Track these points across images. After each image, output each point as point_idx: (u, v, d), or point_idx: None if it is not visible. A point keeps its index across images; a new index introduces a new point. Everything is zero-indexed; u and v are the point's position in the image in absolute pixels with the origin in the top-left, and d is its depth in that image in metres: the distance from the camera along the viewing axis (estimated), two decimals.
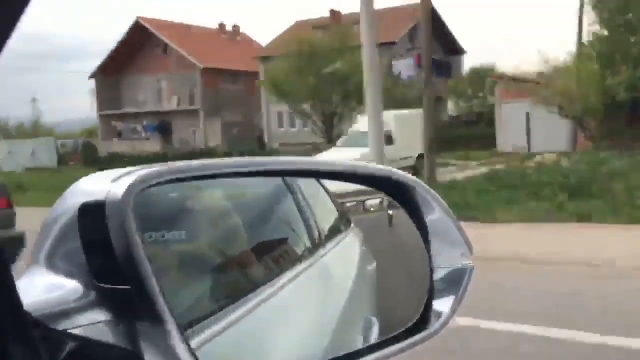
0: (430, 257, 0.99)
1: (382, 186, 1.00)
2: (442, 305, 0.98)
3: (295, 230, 1.11)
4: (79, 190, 0.77)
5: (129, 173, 0.75)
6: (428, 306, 0.99)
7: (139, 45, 46.89)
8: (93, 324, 0.74)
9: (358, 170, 0.96)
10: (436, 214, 0.98)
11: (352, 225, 1.21)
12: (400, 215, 1.04)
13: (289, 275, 1.02)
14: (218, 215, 0.98)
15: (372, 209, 1.17)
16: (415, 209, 0.98)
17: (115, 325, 0.74)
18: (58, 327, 0.72)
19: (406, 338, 0.97)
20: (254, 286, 0.96)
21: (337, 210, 1.20)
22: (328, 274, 1.16)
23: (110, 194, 0.72)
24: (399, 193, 0.99)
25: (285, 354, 0.96)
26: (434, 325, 0.98)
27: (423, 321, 0.99)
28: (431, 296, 0.99)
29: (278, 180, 1.05)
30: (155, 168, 0.77)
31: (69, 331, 0.73)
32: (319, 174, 0.99)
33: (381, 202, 1.13)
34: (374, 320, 1.08)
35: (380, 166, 0.99)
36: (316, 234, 1.14)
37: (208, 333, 0.84)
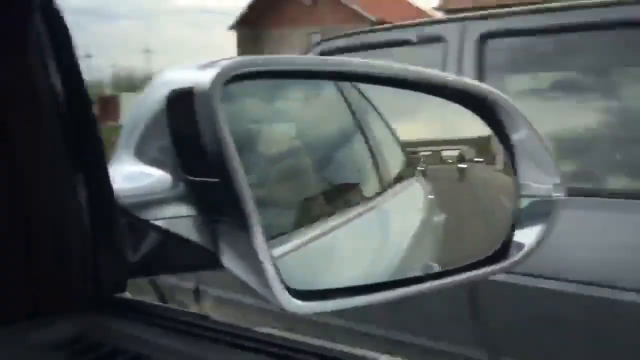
0: (517, 184, 0.94)
1: (466, 102, 0.95)
2: (525, 236, 0.94)
3: (363, 168, 1.07)
4: (168, 79, 0.74)
5: (218, 61, 0.72)
6: (510, 236, 0.95)
7: None
8: (177, 217, 0.72)
9: (448, 82, 0.90)
10: (525, 137, 0.93)
11: (419, 174, 1.16)
12: (474, 170, 1.00)
13: (353, 211, 1.00)
14: (303, 128, 0.95)
15: (449, 160, 1.13)
16: (502, 130, 0.93)
17: (198, 220, 0.73)
18: (143, 216, 0.71)
19: (483, 266, 0.94)
20: (329, 211, 0.94)
21: (405, 157, 1.16)
22: (389, 217, 1.13)
23: (199, 82, 0.69)
24: (487, 111, 0.94)
25: (354, 272, 0.94)
26: (514, 255, 0.94)
27: (503, 252, 0.95)
28: (514, 226, 0.95)
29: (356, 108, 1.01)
30: (247, 57, 0.74)
31: (153, 222, 0.71)
32: (405, 83, 0.93)
33: (460, 154, 1.08)
34: (435, 266, 1.04)
35: (470, 80, 0.93)
36: (384, 177, 1.10)
37: (288, 246, 0.82)
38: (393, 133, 1.09)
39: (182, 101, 0.70)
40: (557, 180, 0.94)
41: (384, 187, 1.06)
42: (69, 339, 0.65)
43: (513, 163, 0.95)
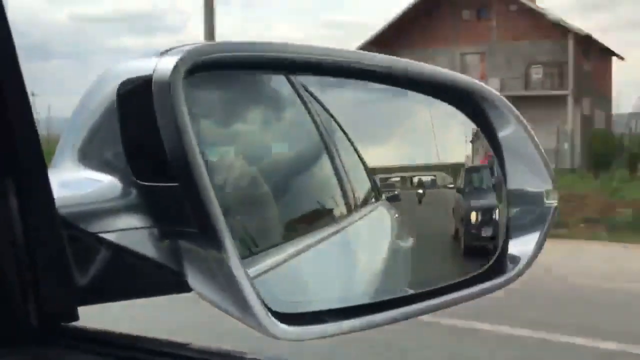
0: (505, 188, 0.86)
1: (449, 94, 0.87)
2: (519, 248, 0.86)
3: (331, 187, 1.00)
4: (118, 70, 0.64)
5: (177, 47, 0.62)
6: (503, 249, 0.87)
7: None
8: (129, 229, 0.61)
9: (434, 75, 0.82)
10: (514, 133, 0.85)
11: (384, 198, 1.09)
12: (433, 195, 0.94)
13: (325, 231, 0.91)
14: (271, 135, 0.86)
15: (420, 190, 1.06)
16: (488, 126, 0.85)
17: (155, 233, 0.62)
18: (89, 228, 0.60)
19: (476, 284, 0.85)
20: (301, 230, 0.85)
21: (370, 181, 1.09)
22: (361, 238, 1.06)
23: (157, 69, 0.59)
24: (469, 104, 0.86)
25: (336, 293, 0.85)
26: (510, 271, 0.86)
27: (497, 266, 0.87)
28: (506, 238, 0.87)
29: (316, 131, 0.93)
30: (212, 42, 0.64)
31: (101, 235, 0.61)
32: (395, 79, 0.84)
33: (433, 180, 1.02)
34: (409, 291, 0.96)
35: (455, 73, 0.85)
36: (349, 199, 1.03)
37: (262, 265, 0.71)
38: (360, 156, 1.02)
39: (136, 94, 0.60)
40: (550, 185, 0.86)
41: (352, 209, 0.99)
42: None
43: (501, 165, 0.87)
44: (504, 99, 0.84)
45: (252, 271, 0.66)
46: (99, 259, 0.61)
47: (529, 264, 0.85)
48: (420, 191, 1.02)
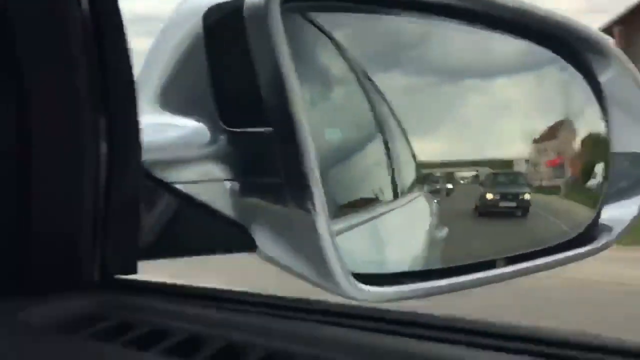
0: (610, 150, 0.79)
1: (549, 40, 0.79)
2: (615, 213, 0.79)
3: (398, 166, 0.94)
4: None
5: None
6: (596, 216, 0.80)
7: None
8: (208, 180, 0.56)
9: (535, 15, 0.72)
10: (621, 83, 0.77)
11: (425, 189, 1.02)
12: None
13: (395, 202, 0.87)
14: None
15: (462, 181, 0.99)
16: (592, 74, 0.78)
17: (236, 187, 0.57)
18: (167, 178, 0.55)
19: (563, 251, 0.79)
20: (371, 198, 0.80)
21: (415, 170, 1.02)
22: (423, 215, 1.00)
23: None
24: (574, 51, 0.78)
25: (412, 256, 0.80)
26: (600, 239, 0.79)
27: (587, 234, 0.80)
28: (601, 205, 0.80)
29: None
30: None
31: (178, 186, 0.56)
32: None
33: (476, 176, 0.95)
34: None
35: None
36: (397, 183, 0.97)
37: (338, 226, 0.66)
38: (409, 142, 0.95)
39: (226, 23, 0.54)
40: None
41: (413, 189, 0.93)
42: (78, 318, 0.49)
43: (605, 116, 0.79)
44: (611, 43, 0.76)
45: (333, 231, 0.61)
46: (171, 211, 0.56)
47: (624, 232, 0.79)
48: (450, 186, 0.98)
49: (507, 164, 0.93)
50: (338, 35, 0.77)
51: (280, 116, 0.51)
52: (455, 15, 0.75)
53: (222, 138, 0.56)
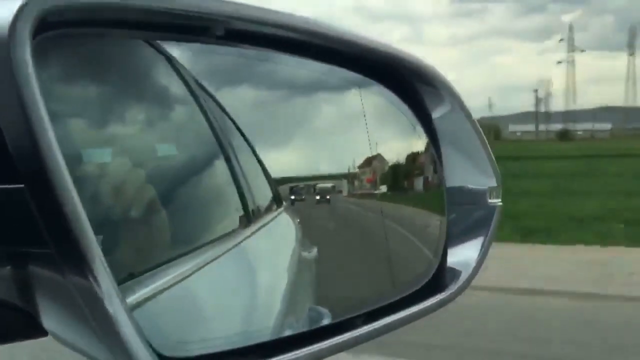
0: (444, 186, 0.74)
1: (379, 71, 0.74)
2: (460, 257, 0.74)
3: (225, 196, 0.86)
4: None
5: None
6: (442, 261, 0.75)
7: None
8: None
9: (364, 45, 0.66)
10: (454, 120, 0.73)
11: (284, 205, 0.97)
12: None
13: (215, 249, 0.78)
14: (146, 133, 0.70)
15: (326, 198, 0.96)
16: (424, 109, 0.73)
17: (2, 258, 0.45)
18: None
19: (409, 305, 0.72)
20: (186, 248, 0.70)
21: (270, 187, 0.97)
22: (258, 254, 0.92)
23: None
24: (406, 83, 0.72)
25: (235, 326, 0.70)
26: (450, 287, 0.73)
27: (435, 282, 0.74)
28: (445, 247, 0.75)
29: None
30: None
31: None
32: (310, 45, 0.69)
33: (333, 187, 0.92)
34: (324, 310, 0.83)
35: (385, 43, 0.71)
36: (248, 207, 0.90)
37: (138, 294, 0.55)
38: (259, 160, 0.89)
39: None
40: (494, 182, 0.75)
41: (251, 218, 0.88)
42: None
43: (438, 156, 0.75)
44: (444, 77, 0.72)
45: (132, 300, 0.50)
46: None
47: (473, 275, 0.74)
48: (318, 197, 0.93)
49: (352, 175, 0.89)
50: (181, 58, 0.71)
51: (30, 168, 0.40)
52: (279, 48, 0.68)
53: None
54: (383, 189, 0.85)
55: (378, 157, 0.87)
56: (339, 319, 0.71)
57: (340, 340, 0.64)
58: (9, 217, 0.44)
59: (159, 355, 0.49)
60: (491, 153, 0.73)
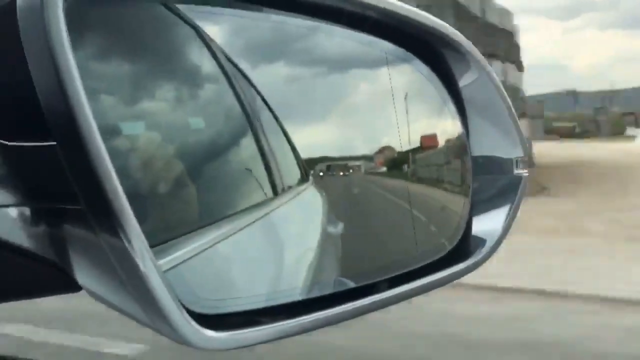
0: (470, 156, 0.76)
1: (405, 39, 0.75)
2: (485, 226, 0.75)
3: (254, 167, 0.88)
4: None
5: None
6: (467, 228, 0.76)
7: None
8: None
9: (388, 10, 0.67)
10: (482, 89, 0.74)
11: (311, 180, 0.99)
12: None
13: (247, 216, 0.80)
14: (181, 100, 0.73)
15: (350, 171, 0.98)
16: (452, 79, 0.74)
17: (27, 213, 0.48)
18: None
19: (435, 271, 0.74)
20: (218, 215, 0.72)
21: (297, 163, 0.99)
22: (286, 225, 0.95)
23: None
24: (432, 52, 0.74)
25: (264, 287, 0.73)
26: (476, 254, 0.75)
27: (459, 250, 0.76)
28: (470, 215, 0.77)
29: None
30: None
31: None
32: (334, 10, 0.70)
33: (359, 167, 0.93)
34: (349, 282, 0.86)
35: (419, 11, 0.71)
36: (276, 181, 0.92)
37: (173, 257, 0.58)
38: (286, 135, 0.91)
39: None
40: (521, 152, 0.76)
41: (277, 193, 0.90)
42: None
43: (465, 126, 0.76)
44: (472, 45, 0.73)
45: (163, 263, 0.52)
46: None
47: (497, 244, 0.75)
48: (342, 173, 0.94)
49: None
50: (212, 29, 0.72)
51: (62, 125, 0.43)
52: (323, 16, 0.70)
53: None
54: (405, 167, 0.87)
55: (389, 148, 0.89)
56: (365, 282, 0.73)
57: (365, 303, 0.66)
58: (43, 174, 0.46)
59: (189, 311, 0.51)
60: (518, 123, 0.74)
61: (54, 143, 0.44)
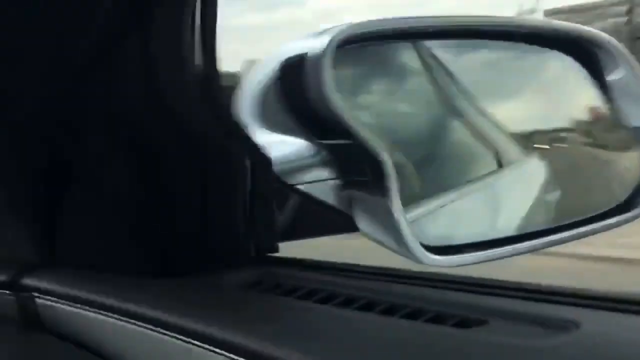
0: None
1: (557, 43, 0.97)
2: None
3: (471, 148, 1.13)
4: (281, 51, 0.78)
5: (331, 28, 0.75)
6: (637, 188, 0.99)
7: None
8: (317, 180, 0.80)
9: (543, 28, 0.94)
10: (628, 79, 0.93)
11: (526, 153, 1.20)
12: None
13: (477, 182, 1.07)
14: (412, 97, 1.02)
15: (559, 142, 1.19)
16: (600, 75, 0.95)
17: (336, 184, 0.81)
18: (289, 181, 0.80)
19: (609, 217, 0.98)
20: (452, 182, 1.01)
21: (508, 139, 1.20)
22: (509, 193, 1.17)
23: (309, 48, 0.72)
24: (582, 52, 0.96)
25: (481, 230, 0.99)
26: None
27: (627, 204, 0.99)
28: None
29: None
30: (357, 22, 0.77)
31: (298, 187, 0.80)
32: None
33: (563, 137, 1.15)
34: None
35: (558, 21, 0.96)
36: (496, 156, 1.15)
37: (419, 211, 0.86)
38: (491, 118, 1.12)
39: (292, 69, 0.74)
40: None
41: (500, 165, 1.11)
42: (252, 282, 0.79)
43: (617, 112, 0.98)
44: (616, 43, 0.93)
45: (410, 216, 0.80)
46: (295, 205, 0.82)
47: None
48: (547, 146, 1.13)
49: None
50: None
51: (346, 134, 0.74)
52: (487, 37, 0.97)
53: (320, 149, 0.79)
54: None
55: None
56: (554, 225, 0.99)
57: (555, 239, 0.92)
58: (346, 159, 0.78)
59: (423, 245, 0.77)
60: None
61: (351, 142, 0.75)
